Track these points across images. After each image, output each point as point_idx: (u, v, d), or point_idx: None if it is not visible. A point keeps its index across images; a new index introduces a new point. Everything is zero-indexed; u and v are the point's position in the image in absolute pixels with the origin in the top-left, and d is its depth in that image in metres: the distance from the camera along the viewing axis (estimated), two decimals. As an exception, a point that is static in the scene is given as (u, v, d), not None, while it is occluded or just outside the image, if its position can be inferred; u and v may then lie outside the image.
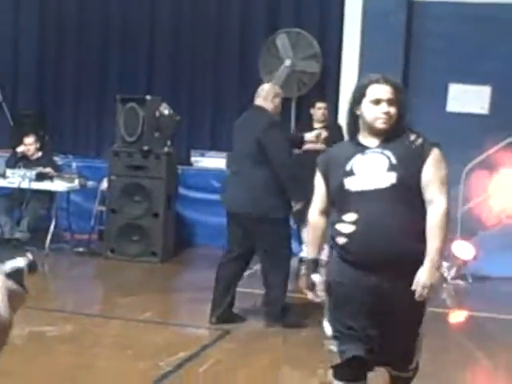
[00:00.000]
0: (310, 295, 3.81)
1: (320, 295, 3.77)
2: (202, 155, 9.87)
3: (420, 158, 3.61)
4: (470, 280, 8.14)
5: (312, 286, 3.79)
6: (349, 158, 3.66)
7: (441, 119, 9.35)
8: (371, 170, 3.61)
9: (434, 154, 3.64)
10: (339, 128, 9.09)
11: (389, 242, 3.54)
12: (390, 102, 3.65)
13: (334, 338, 3.69)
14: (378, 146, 3.66)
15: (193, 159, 9.89)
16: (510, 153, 8.68)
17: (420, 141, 3.65)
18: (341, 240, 3.62)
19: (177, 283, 8.25)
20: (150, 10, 10.48)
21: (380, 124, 3.66)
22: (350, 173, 3.63)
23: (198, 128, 10.35)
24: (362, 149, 3.67)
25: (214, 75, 10.33)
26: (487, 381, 5.73)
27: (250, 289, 6.90)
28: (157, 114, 8.72)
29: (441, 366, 5.53)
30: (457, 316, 7.47)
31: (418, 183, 3.59)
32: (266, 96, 6.42)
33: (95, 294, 7.78)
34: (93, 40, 10.67)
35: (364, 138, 3.71)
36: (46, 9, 10.83)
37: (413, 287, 3.58)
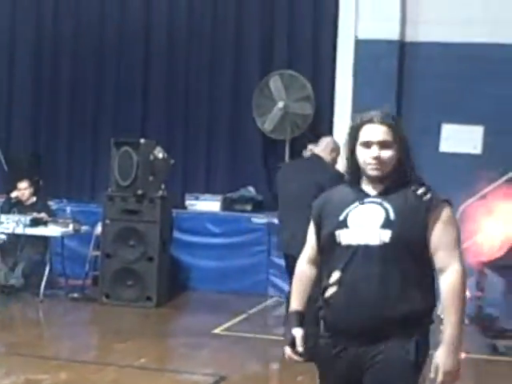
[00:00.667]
0: (287, 352, 3.30)
1: (300, 353, 3.28)
2: (197, 198, 9.89)
3: (425, 215, 3.14)
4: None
5: (292, 343, 3.29)
6: (346, 206, 3.24)
7: (434, 159, 9.39)
8: (365, 223, 3.18)
9: (445, 212, 3.17)
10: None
11: (369, 310, 3.10)
12: (382, 144, 3.16)
13: None
14: (378, 196, 3.22)
15: (187, 203, 9.91)
16: (504, 191, 8.71)
17: (428, 196, 3.16)
18: (324, 306, 3.24)
19: (172, 328, 8.22)
20: (144, 51, 10.56)
21: (370, 171, 3.19)
22: (344, 224, 3.21)
23: (192, 171, 10.39)
24: (362, 196, 3.23)
25: (207, 117, 10.39)
26: None
27: (247, 333, 6.91)
28: (151, 157, 8.76)
29: None
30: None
31: (420, 243, 3.14)
32: (325, 148, 6.86)
33: (90, 341, 7.75)
34: (87, 83, 10.74)
35: (365, 185, 3.26)
36: (40, 52, 10.91)
37: (431, 374, 3.11)
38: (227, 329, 7.50)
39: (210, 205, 9.76)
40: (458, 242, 3.21)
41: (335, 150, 6.85)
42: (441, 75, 9.46)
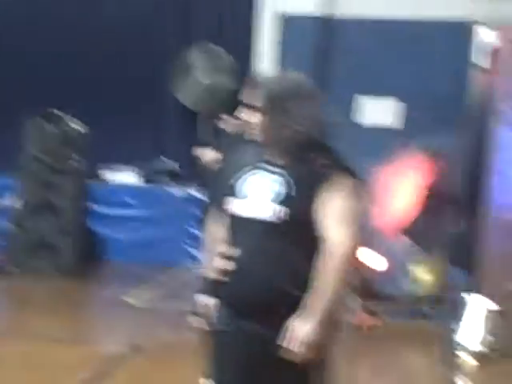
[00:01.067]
0: (194, 320, 3.20)
1: (207, 323, 3.16)
2: (113, 170, 9.77)
3: (322, 189, 2.91)
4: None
5: (196, 310, 3.18)
6: (239, 171, 3.03)
7: (351, 132, 9.47)
8: (260, 194, 2.95)
9: (343, 186, 2.94)
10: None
11: (261, 286, 2.94)
12: (253, 108, 2.96)
13: None
14: (276, 165, 2.99)
15: (103, 174, 9.78)
16: (416, 163, 8.84)
17: (328, 168, 2.96)
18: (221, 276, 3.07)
19: (87, 300, 8.09)
20: (58, 17, 10.32)
21: (249, 135, 3.00)
22: (236, 191, 3.01)
23: (108, 143, 10.22)
24: (258, 161, 3.02)
25: (124, 88, 10.23)
26: None
27: (163, 303, 6.88)
28: (65, 129, 8.62)
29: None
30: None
31: (318, 220, 2.92)
32: None
33: (0, 313, 7.59)
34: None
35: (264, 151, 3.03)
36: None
37: (285, 341, 2.90)
38: (143, 300, 7.45)
39: (127, 176, 9.65)
40: (355, 216, 2.93)
41: None
42: (360, 51, 9.51)
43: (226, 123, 8.90)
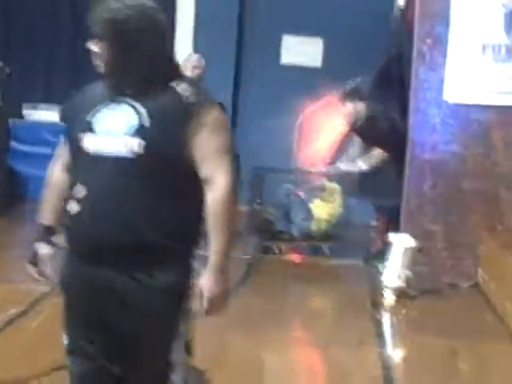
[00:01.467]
0: (31, 271, 2.98)
1: (47, 274, 2.95)
2: (35, 108, 9.60)
3: (187, 121, 2.66)
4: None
5: (34, 259, 2.95)
6: (95, 106, 2.75)
7: (275, 72, 9.48)
8: (114, 128, 2.70)
9: (211, 116, 2.71)
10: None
11: (116, 230, 2.67)
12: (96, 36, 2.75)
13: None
14: (132, 96, 2.71)
15: (24, 112, 9.61)
16: (338, 102, 8.90)
17: (192, 98, 2.69)
18: (67, 221, 2.82)
19: (7, 239, 7.98)
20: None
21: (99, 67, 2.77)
22: (89, 126, 2.73)
23: (29, 80, 10.03)
24: (114, 95, 2.75)
25: (47, 26, 10.01)
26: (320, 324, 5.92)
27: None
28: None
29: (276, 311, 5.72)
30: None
31: (179, 153, 2.66)
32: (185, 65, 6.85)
33: None
34: None
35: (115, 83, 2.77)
36: None
37: (194, 303, 2.72)
38: (62, 239, 7.39)
39: (48, 114, 9.50)
40: (227, 149, 2.72)
41: (198, 67, 7.02)
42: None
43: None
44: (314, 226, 7.67)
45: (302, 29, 9.50)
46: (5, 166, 8.70)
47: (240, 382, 4.43)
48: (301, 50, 9.59)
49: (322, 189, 7.86)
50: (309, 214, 7.71)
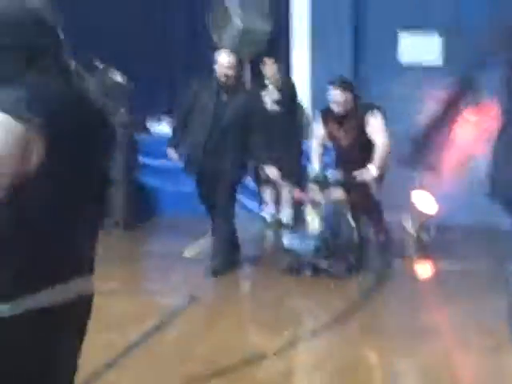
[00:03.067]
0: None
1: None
2: (159, 121, 9.78)
3: None
4: (433, 232, 8.23)
5: None
6: None
7: (393, 72, 9.35)
8: None
9: None
10: (292, 85, 9.15)
11: None
12: None
13: None
14: None
15: (150, 126, 9.80)
16: (464, 99, 8.69)
17: None
18: None
19: (141, 252, 8.19)
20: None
21: None
22: None
23: (153, 94, 10.23)
24: None
25: (166, 36, 10.21)
26: (448, 325, 5.79)
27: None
28: (108, 81, 8.64)
29: (405, 313, 5.65)
30: (421, 266, 7.56)
31: None
32: None
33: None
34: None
35: None
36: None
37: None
38: (197, 252, 7.50)
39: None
40: None
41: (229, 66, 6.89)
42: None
43: (266, 66, 8.88)
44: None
45: (419, 26, 9.33)
46: (134, 180, 8.89)
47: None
48: (419, 49, 9.42)
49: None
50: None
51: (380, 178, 7.00)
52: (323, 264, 6.69)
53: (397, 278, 6.84)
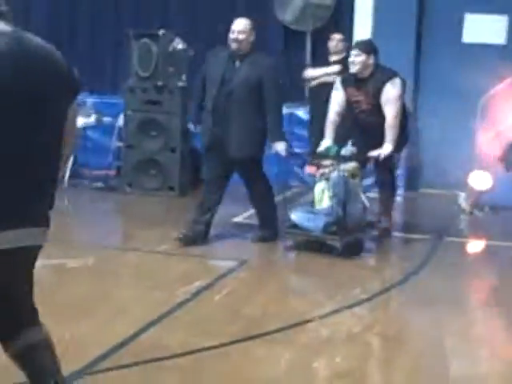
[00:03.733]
0: None
1: None
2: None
3: None
4: (487, 210, 8.19)
5: None
6: None
7: (456, 50, 9.26)
8: None
9: None
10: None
11: None
12: None
13: None
14: None
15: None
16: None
17: None
18: None
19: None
20: None
21: None
22: None
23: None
24: None
25: (227, 8, 10.21)
26: (500, 300, 5.74)
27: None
28: (170, 48, 8.71)
29: (457, 293, 5.63)
30: (474, 245, 7.51)
31: None
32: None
33: (114, 227, 7.90)
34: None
35: None
36: None
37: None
38: (248, 217, 7.59)
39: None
40: None
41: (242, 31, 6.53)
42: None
43: (333, 41, 8.81)
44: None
45: (484, 6, 9.20)
46: (190, 146, 8.96)
47: (420, 361, 4.38)
48: (484, 28, 9.29)
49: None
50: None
51: (396, 151, 6.83)
52: (333, 242, 6.34)
53: (449, 252, 6.81)
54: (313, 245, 6.50)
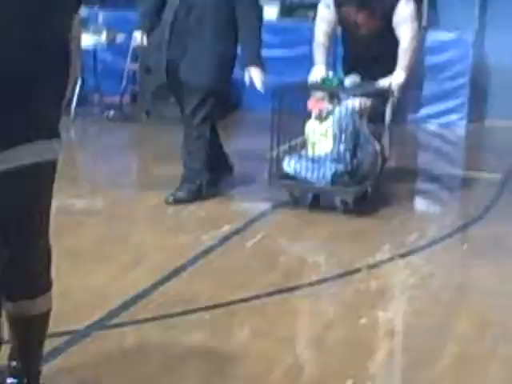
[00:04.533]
0: None
1: None
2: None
3: None
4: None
5: None
6: None
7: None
8: None
9: None
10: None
11: None
12: None
13: None
14: None
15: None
16: None
17: None
18: None
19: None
20: None
21: None
22: None
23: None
24: None
25: None
26: None
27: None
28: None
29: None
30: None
31: None
32: None
33: (128, 164, 7.90)
34: None
35: None
36: None
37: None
38: (284, 152, 7.53)
39: (265, 12, 9.57)
40: None
41: None
42: None
43: None
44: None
45: None
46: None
47: (482, 312, 4.41)
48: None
49: None
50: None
51: (406, 85, 6.32)
52: (345, 196, 6.02)
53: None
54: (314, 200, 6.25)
